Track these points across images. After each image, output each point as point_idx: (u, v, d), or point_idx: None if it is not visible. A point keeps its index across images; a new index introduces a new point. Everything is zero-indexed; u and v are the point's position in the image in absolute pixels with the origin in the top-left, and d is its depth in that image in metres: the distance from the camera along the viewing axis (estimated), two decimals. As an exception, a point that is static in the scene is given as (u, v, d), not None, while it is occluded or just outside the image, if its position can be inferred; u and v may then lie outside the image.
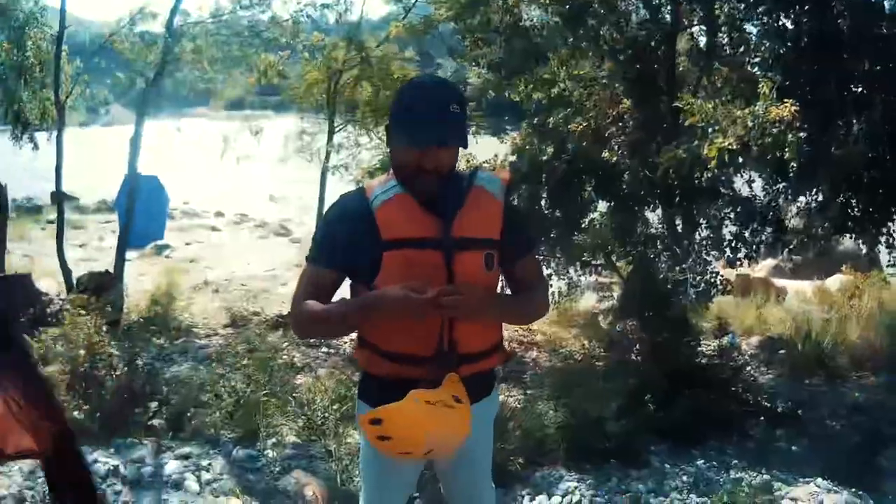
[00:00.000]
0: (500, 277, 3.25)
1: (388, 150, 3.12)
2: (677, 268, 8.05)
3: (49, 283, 13.22)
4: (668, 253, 8.29)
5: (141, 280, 15.49)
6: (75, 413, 6.82)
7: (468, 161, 9.26)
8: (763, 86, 6.94)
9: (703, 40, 9.25)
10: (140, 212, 18.68)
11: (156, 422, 6.71)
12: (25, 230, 20.53)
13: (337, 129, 16.56)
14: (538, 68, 9.48)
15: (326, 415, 6.73)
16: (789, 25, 7.77)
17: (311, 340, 10.21)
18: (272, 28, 14.97)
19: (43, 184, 14.58)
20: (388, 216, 2.92)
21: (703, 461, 6.85)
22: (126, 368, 7.41)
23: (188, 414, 6.96)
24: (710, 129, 6.72)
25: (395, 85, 13.92)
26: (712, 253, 8.56)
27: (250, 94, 30.75)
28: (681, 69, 9.21)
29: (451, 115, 2.85)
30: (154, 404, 6.79)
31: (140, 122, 13.27)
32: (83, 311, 8.08)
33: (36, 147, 14.90)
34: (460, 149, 3.08)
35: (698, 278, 8.27)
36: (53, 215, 21.30)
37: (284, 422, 6.89)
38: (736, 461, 6.90)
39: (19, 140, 14.66)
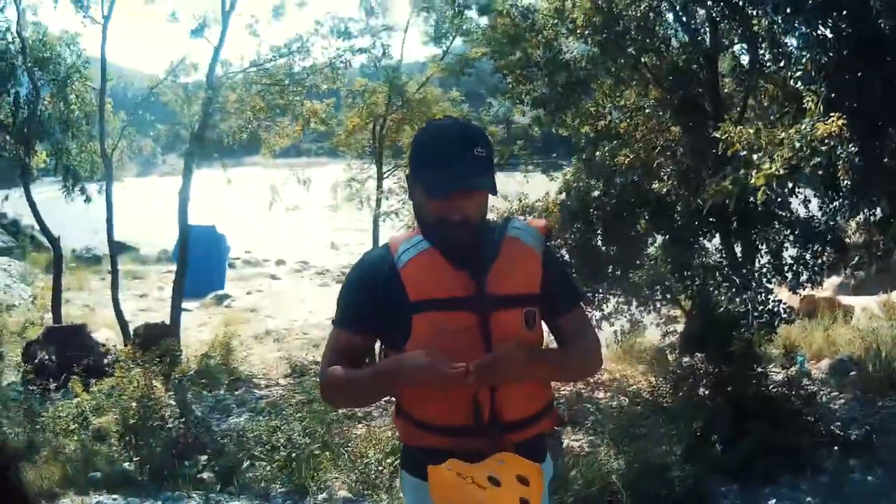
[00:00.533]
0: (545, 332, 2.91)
1: (413, 205, 2.84)
2: (738, 298, 7.76)
3: (108, 334, 13.30)
4: (728, 283, 8.01)
5: (201, 330, 15.71)
6: (125, 464, 6.77)
7: (521, 200, 9.13)
8: (808, 100, 6.67)
9: (744, 59, 8.99)
10: (198, 262, 19.01)
11: (205, 475, 6.57)
12: (85, 280, 20.79)
13: (385, 175, 16.55)
14: (583, 101, 9.32)
15: (380, 468, 6.55)
16: (829, 34, 7.42)
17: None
18: (312, 76, 15.13)
19: (102, 235, 14.72)
20: (416, 274, 2.64)
21: (774, 501, 6.53)
22: (179, 420, 7.33)
23: (240, 467, 6.83)
24: (755, 156, 6.38)
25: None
26: (774, 279, 8.26)
27: (303, 141, 30.91)
28: (725, 91, 8.97)
29: (476, 159, 2.59)
30: (204, 457, 6.63)
31: (187, 174, 13.48)
32: (137, 363, 8.09)
33: (88, 199, 15.09)
34: (491, 193, 2.75)
35: (760, 308, 7.97)
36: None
37: (337, 475, 6.72)
38: (810, 499, 6.55)
39: (70, 192, 14.87)
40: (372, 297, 2.67)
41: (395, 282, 2.64)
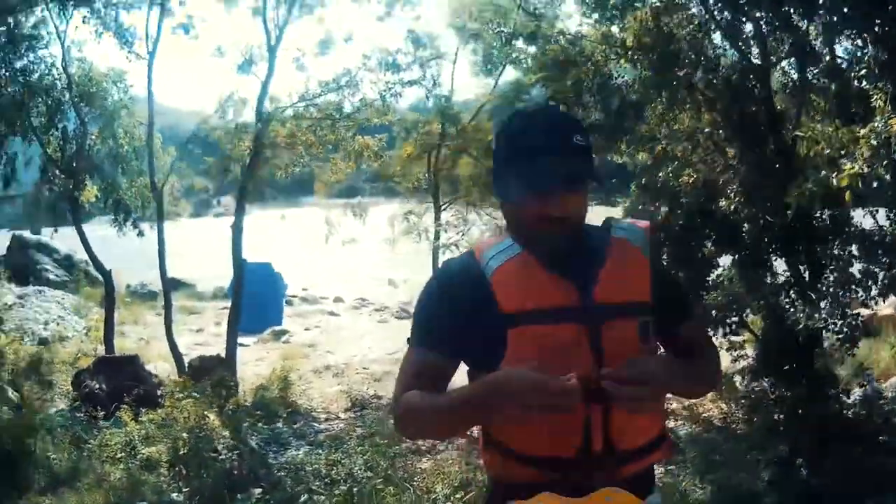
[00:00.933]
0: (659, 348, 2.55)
1: (500, 206, 2.51)
2: (815, 315, 7.38)
3: (162, 366, 13.41)
4: (802, 300, 7.62)
5: (258, 364, 15.61)
6: (174, 495, 6.53)
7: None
8: (877, 98, 6.29)
9: (794, 74, 8.69)
10: (255, 298, 19.07)
11: None
12: (140, 315, 20.93)
13: (443, 207, 16.37)
14: (637, 125, 9.06)
15: (448, 503, 6.14)
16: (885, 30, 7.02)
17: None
18: (363, 109, 15.00)
19: (156, 271, 14.78)
20: (508, 283, 2.28)
21: None
22: (233, 452, 7.09)
23: (297, 502, 6.53)
24: (837, 156, 5.94)
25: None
26: (846, 295, 7.87)
27: (358, 181, 31.06)
28: (779, 108, 8.64)
29: (578, 148, 2.27)
30: (259, 490, 6.29)
31: (240, 207, 13.42)
32: (190, 394, 7.91)
33: (141, 234, 15.26)
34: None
35: (839, 323, 7.55)
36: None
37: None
38: None
39: (122, 227, 15.03)
40: (456, 309, 2.31)
41: (483, 292, 2.28)
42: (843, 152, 5.84)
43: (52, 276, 23.32)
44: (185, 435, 7.25)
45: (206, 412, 7.98)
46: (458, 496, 6.15)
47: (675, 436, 8.77)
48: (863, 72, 7.00)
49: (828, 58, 7.96)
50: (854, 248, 7.91)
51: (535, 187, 2.23)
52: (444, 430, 2.67)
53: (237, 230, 13.23)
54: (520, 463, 2.29)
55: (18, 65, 14.00)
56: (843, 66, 7.83)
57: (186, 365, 12.52)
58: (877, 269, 7.75)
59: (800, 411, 7.27)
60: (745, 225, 8.06)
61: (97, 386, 10.34)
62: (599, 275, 2.30)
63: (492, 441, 2.38)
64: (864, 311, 9.14)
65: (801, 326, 7.15)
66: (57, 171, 14.40)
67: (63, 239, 20.01)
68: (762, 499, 6.05)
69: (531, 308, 2.23)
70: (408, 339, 2.42)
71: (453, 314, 2.31)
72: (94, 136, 14.75)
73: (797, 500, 6.35)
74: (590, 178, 2.31)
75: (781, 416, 7.53)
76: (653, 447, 2.38)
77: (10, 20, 13.71)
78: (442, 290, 2.40)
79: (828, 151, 5.92)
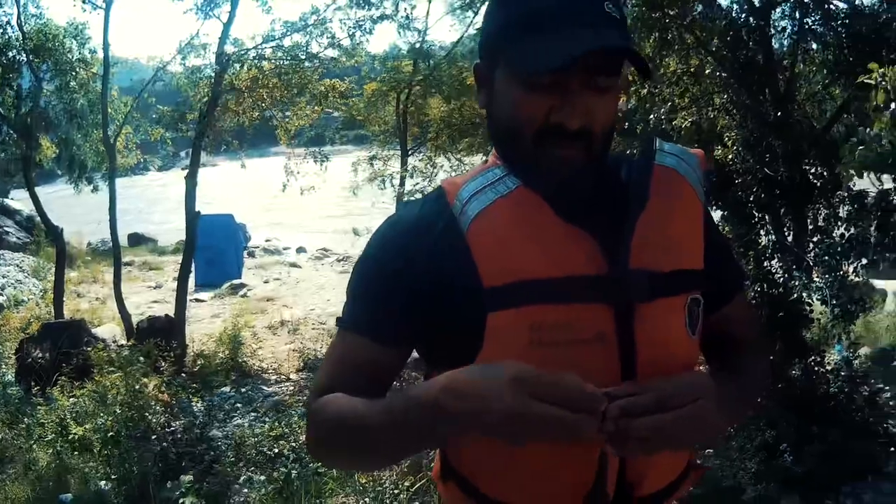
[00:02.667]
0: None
1: (486, 114, 1.62)
2: (811, 283, 6.88)
3: (114, 330, 12.73)
4: (796, 267, 7.07)
5: (213, 321, 15.08)
6: (101, 483, 5.89)
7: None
8: None
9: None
10: (214, 251, 18.61)
11: (188, 500, 5.36)
12: (100, 273, 20.27)
13: (410, 152, 15.73)
14: (624, 69, 8.42)
15: (396, 491, 5.39)
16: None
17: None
18: (331, 49, 14.50)
19: (122, 225, 14.19)
20: (495, 237, 1.46)
21: None
22: (167, 429, 6.47)
23: (231, 488, 5.99)
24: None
25: (469, 95, 13.10)
26: (847, 260, 7.36)
27: (329, 130, 30.51)
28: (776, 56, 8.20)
29: (610, 18, 1.43)
30: (188, 478, 5.59)
31: (196, 159, 12.75)
32: (131, 360, 7.32)
33: (95, 189, 14.84)
34: None
35: (839, 294, 7.01)
36: (130, 257, 21.33)
37: (345, 500, 5.63)
38: None
39: (77, 185, 14.63)
40: (408, 282, 1.50)
41: (454, 253, 1.47)
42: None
43: (13, 240, 22.83)
44: (117, 410, 6.59)
45: (145, 382, 7.34)
46: (406, 483, 5.43)
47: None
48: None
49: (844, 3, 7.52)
50: (843, 211, 7.43)
51: (544, 65, 1.38)
52: (376, 454, 1.55)
53: (191, 181, 12.42)
54: None
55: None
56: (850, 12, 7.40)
57: (135, 327, 11.83)
58: (870, 235, 7.22)
59: (781, 386, 6.77)
60: (737, 179, 7.44)
61: (39, 355, 9.65)
62: (637, 225, 1.49)
63: (453, 473, 1.62)
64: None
65: (794, 296, 6.63)
66: (9, 130, 13.90)
67: (28, 201, 19.58)
68: (745, 492, 5.63)
69: (530, 278, 1.42)
70: (337, 320, 1.63)
71: (403, 289, 1.50)
72: (49, 93, 14.25)
73: (779, 489, 5.98)
74: (629, 60, 1.48)
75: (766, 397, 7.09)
76: (679, 483, 1.62)
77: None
78: (388, 251, 1.57)
79: (893, 105, 4.86)
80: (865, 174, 5.28)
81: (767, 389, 1.68)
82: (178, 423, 6.83)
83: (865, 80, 4.61)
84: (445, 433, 1.35)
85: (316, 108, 15.38)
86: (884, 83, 4.50)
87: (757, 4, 7.95)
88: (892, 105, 4.48)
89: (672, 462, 1.56)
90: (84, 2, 13.13)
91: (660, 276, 1.46)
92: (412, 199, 13.56)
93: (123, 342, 10.92)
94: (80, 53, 14.33)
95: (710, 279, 1.57)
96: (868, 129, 4.70)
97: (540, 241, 1.44)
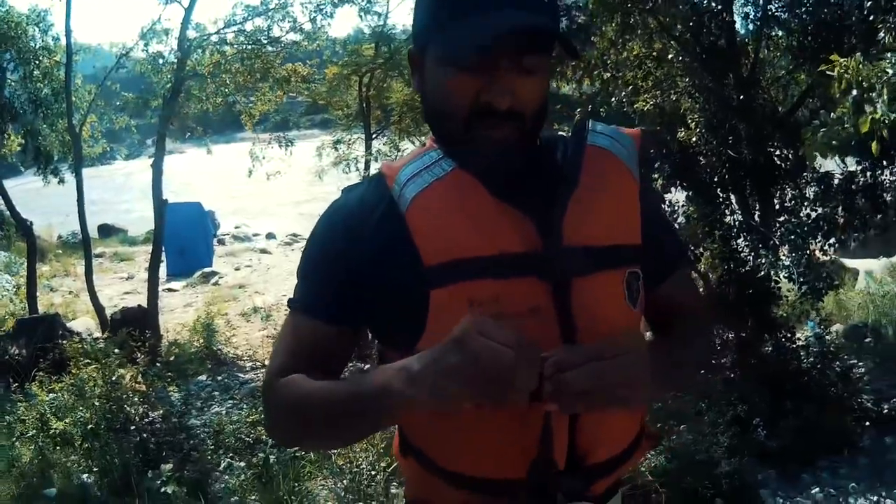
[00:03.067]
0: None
1: (421, 99, 1.70)
2: (777, 262, 6.97)
3: (88, 323, 12.77)
4: (762, 246, 7.17)
5: (186, 311, 15.08)
6: (84, 476, 5.95)
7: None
8: (886, 35, 5.62)
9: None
10: (184, 240, 18.56)
11: (170, 488, 5.49)
12: (72, 266, 20.17)
13: (374, 135, 15.73)
14: (586, 51, 8.40)
15: (373, 472, 5.46)
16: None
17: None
18: (292, 33, 14.38)
19: (94, 218, 14.04)
20: (432, 218, 1.52)
21: (817, 489, 6.07)
22: (145, 419, 6.53)
23: (212, 475, 6.04)
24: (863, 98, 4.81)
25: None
26: (813, 240, 7.46)
27: (294, 116, 30.24)
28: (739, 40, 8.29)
29: (537, 2, 1.49)
30: (169, 466, 5.68)
31: (161, 146, 12.60)
32: (106, 352, 7.35)
33: (62, 181, 14.40)
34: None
35: (806, 272, 7.10)
36: (101, 249, 21.18)
37: (323, 482, 5.76)
38: (854, 484, 6.12)
39: (45, 175, 14.27)
40: (353, 263, 1.55)
41: (394, 234, 1.52)
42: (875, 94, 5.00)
43: (-16, 235, 22.59)
44: (96, 403, 6.64)
45: (122, 373, 7.38)
46: (382, 465, 5.52)
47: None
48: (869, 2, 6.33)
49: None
50: (811, 192, 7.58)
51: (469, 52, 1.45)
52: (335, 432, 1.59)
53: (157, 170, 12.33)
54: (447, 482, 1.59)
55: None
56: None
57: (108, 319, 11.83)
58: (837, 215, 7.35)
59: (753, 362, 6.88)
60: (702, 158, 7.54)
61: (16, 352, 9.70)
62: (569, 204, 1.54)
63: (410, 447, 1.69)
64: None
65: (761, 274, 6.73)
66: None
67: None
68: (719, 466, 5.63)
69: (467, 256, 1.47)
70: (289, 302, 1.68)
71: (348, 269, 1.56)
72: (14, 83, 13.88)
73: (753, 464, 6.10)
74: (557, 40, 1.52)
75: (735, 370, 7.16)
76: (631, 451, 1.66)
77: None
78: (333, 233, 1.62)
79: (854, 92, 4.95)
80: (830, 156, 5.41)
81: (712, 363, 1.70)
82: (156, 413, 6.88)
83: (827, 72, 4.75)
84: (406, 408, 1.42)
85: (279, 92, 15.34)
86: (847, 75, 4.65)
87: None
88: (854, 92, 4.62)
89: (622, 428, 1.62)
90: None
91: (596, 250, 1.52)
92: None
93: (98, 335, 10.88)
94: (42, 41, 13.94)
95: (649, 255, 1.62)
96: (831, 114, 4.85)
97: (475, 220, 1.49)
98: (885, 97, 4.41)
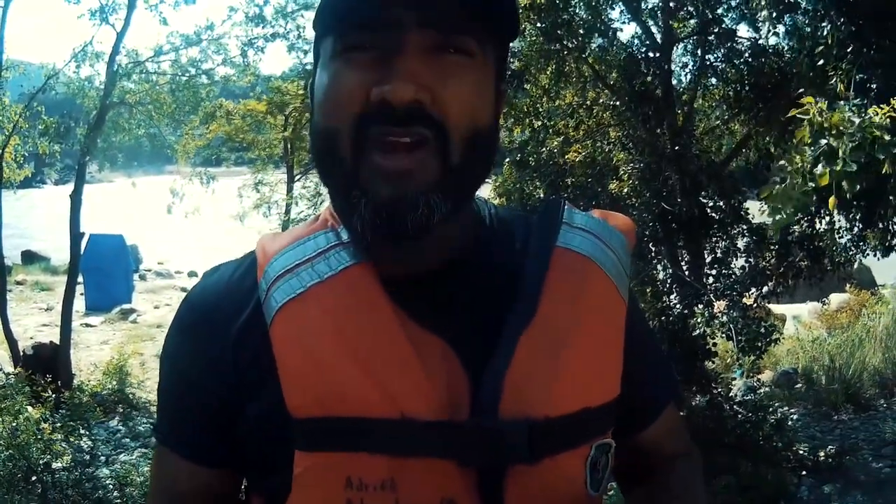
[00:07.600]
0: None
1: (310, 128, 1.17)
2: (713, 318, 6.89)
3: (0, 355, 12.30)
4: (696, 300, 7.08)
5: (102, 348, 14.60)
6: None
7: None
8: (836, 81, 5.47)
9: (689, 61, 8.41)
10: (104, 273, 18.04)
11: None
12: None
13: (297, 178, 15.49)
14: (518, 98, 8.29)
15: None
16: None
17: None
18: (224, 65, 14.14)
19: (16, 241, 13.48)
20: (301, 349, 1.04)
21: None
22: (44, 473, 6.19)
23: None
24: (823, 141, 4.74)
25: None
26: (748, 292, 7.43)
27: (223, 150, 30.03)
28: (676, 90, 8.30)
29: None
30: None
31: (81, 175, 12.17)
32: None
33: None
34: None
35: (749, 325, 6.99)
36: (23, 276, 20.55)
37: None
38: None
39: None
40: (216, 388, 1.12)
41: (258, 356, 1.08)
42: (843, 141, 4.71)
43: None
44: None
45: (27, 415, 7.01)
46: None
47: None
48: (819, 48, 6.15)
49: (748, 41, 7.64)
50: (741, 243, 7.65)
51: (356, 23, 1.02)
52: None
53: (76, 199, 11.89)
54: None
55: None
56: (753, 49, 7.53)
57: (21, 353, 11.39)
58: (767, 266, 7.40)
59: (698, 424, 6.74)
60: (634, 212, 7.40)
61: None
62: (518, 347, 1.04)
63: None
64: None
65: (696, 333, 6.62)
66: None
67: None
68: None
69: (349, 415, 1.01)
70: (153, 429, 1.29)
71: (206, 402, 1.14)
72: None
73: None
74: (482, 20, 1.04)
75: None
76: None
77: None
78: (186, 350, 1.18)
79: (826, 140, 4.60)
80: (797, 215, 5.23)
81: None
82: (60, 461, 6.55)
83: (798, 115, 4.52)
84: None
85: (213, 125, 15.11)
86: (820, 118, 4.40)
87: (659, 41, 7.98)
88: (824, 140, 4.37)
89: None
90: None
91: (551, 423, 1.03)
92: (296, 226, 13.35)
93: (10, 369, 10.43)
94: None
95: (633, 396, 1.17)
96: (788, 167, 4.62)
97: (366, 359, 1.02)
98: (847, 147, 4.20)
